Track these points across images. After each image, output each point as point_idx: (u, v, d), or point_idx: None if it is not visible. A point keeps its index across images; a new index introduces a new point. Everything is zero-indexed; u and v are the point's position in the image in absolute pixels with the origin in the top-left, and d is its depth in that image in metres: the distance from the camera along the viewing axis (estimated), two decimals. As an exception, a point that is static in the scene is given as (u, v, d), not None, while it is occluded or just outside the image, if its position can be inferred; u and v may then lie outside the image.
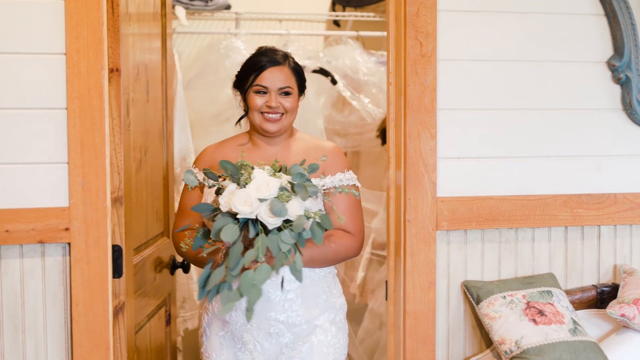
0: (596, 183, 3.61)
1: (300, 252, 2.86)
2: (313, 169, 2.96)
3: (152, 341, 3.77)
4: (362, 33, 5.71)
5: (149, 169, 3.74)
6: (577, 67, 3.58)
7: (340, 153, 3.31)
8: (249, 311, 2.77)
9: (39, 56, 3.08)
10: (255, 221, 2.79)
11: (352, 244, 3.22)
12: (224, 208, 2.79)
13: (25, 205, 3.08)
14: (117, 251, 3.17)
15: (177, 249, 3.28)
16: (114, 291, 3.17)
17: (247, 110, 3.27)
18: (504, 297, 3.35)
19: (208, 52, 5.29)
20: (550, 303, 3.33)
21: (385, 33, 3.90)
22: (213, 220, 2.83)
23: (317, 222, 2.86)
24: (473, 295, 3.42)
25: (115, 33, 3.15)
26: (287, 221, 2.80)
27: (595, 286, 3.60)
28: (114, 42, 3.15)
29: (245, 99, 3.26)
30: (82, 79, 3.08)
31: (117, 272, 3.17)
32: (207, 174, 2.98)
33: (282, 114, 3.20)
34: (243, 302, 3.01)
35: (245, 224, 2.80)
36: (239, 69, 3.30)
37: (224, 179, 2.90)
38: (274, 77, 3.19)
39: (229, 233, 2.73)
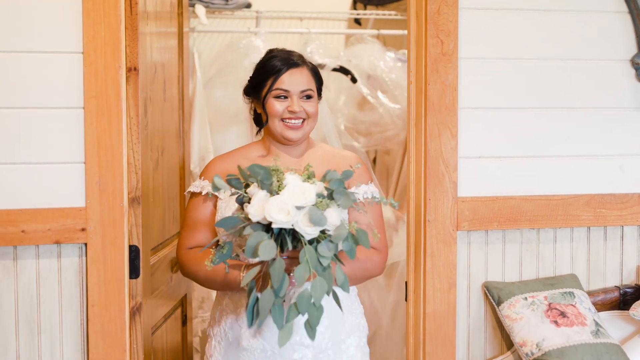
0: (619, 183, 3.57)
1: (341, 262, 2.64)
2: (347, 175, 2.70)
3: (168, 342, 3.76)
4: (383, 31, 5.66)
5: (166, 168, 3.72)
6: (601, 65, 3.54)
7: (363, 163, 3.15)
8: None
9: (55, 55, 3.07)
10: (289, 232, 2.57)
11: (378, 260, 3.08)
12: (254, 217, 2.54)
13: (42, 205, 3.06)
14: (134, 252, 3.14)
15: (189, 269, 3.04)
16: (130, 292, 3.15)
17: (266, 119, 3.06)
18: (525, 298, 3.32)
19: (228, 50, 5.25)
20: (572, 304, 3.30)
21: (406, 31, 3.86)
22: (239, 235, 2.63)
23: (352, 236, 2.63)
24: (494, 296, 3.39)
25: (133, 32, 3.13)
26: (321, 232, 2.58)
27: (618, 287, 3.56)
28: (132, 41, 3.13)
29: (263, 106, 3.06)
30: (99, 78, 3.06)
31: (134, 272, 3.15)
32: (231, 181, 2.69)
33: (304, 120, 3.04)
34: (260, 326, 2.80)
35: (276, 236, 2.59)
36: (251, 74, 3.15)
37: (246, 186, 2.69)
38: (294, 80, 3.02)
39: (267, 250, 2.48)
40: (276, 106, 3.02)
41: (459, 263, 3.43)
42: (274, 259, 2.52)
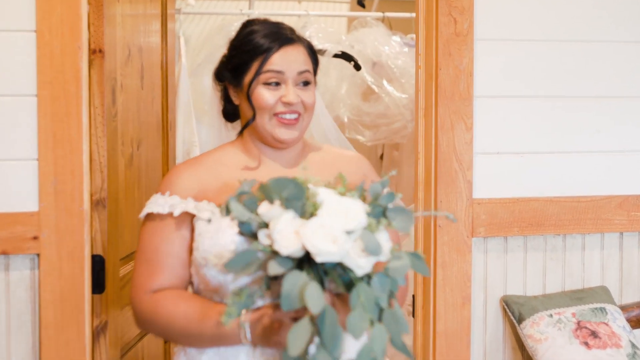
0: (657, 182, 3.51)
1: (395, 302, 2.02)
2: (384, 184, 2.10)
3: (145, 360, 3.55)
4: (389, 14, 5.52)
5: (143, 164, 3.50)
6: (635, 48, 3.33)
7: (369, 163, 2.63)
8: None
9: (3, 34, 2.82)
10: (331, 267, 1.94)
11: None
12: (285, 249, 1.89)
13: (-14, 209, 2.81)
14: (98, 262, 2.89)
15: (157, 321, 2.25)
16: (93, 309, 2.89)
17: (253, 114, 2.39)
18: (551, 315, 3.12)
19: (218, 34, 5.10)
20: (604, 322, 3.10)
21: (414, 14, 3.59)
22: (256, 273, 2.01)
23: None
24: (514, 312, 3.18)
25: (98, 9, 2.91)
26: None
27: (655, 301, 3.44)
28: (97, 19, 2.90)
29: (248, 97, 2.37)
30: (55, 60, 2.80)
31: (98, 287, 2.89)
32: (246, 201, 2.02)
33: (299, 114, 2.41)
34: None
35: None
36: (226, 52, 2.52)
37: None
38: (289, 60, 2.41)
39: (316, 296, 1.84)
40: (265, 96, 2.36)
41: (474, 274, 3.23)
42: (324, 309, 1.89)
